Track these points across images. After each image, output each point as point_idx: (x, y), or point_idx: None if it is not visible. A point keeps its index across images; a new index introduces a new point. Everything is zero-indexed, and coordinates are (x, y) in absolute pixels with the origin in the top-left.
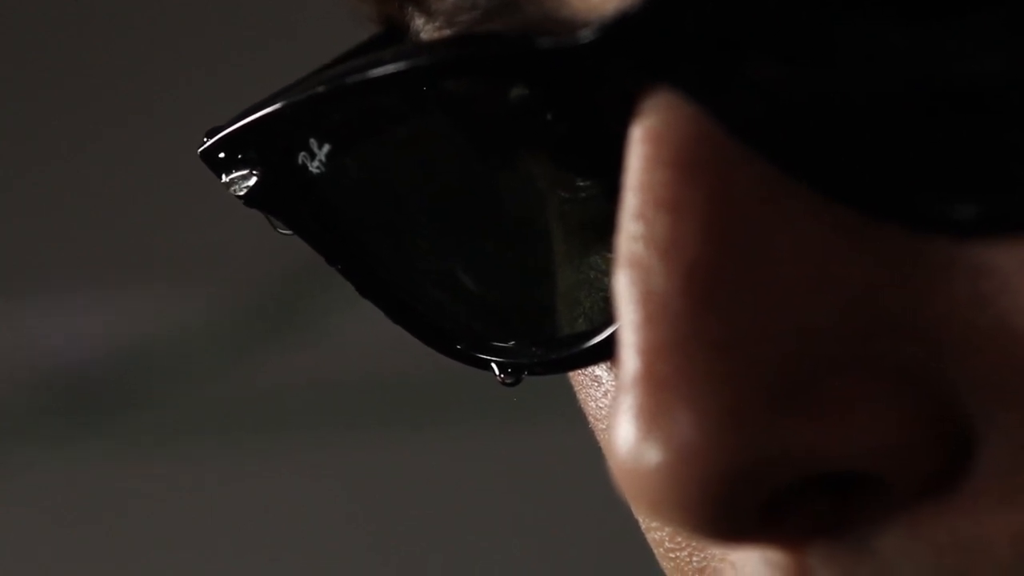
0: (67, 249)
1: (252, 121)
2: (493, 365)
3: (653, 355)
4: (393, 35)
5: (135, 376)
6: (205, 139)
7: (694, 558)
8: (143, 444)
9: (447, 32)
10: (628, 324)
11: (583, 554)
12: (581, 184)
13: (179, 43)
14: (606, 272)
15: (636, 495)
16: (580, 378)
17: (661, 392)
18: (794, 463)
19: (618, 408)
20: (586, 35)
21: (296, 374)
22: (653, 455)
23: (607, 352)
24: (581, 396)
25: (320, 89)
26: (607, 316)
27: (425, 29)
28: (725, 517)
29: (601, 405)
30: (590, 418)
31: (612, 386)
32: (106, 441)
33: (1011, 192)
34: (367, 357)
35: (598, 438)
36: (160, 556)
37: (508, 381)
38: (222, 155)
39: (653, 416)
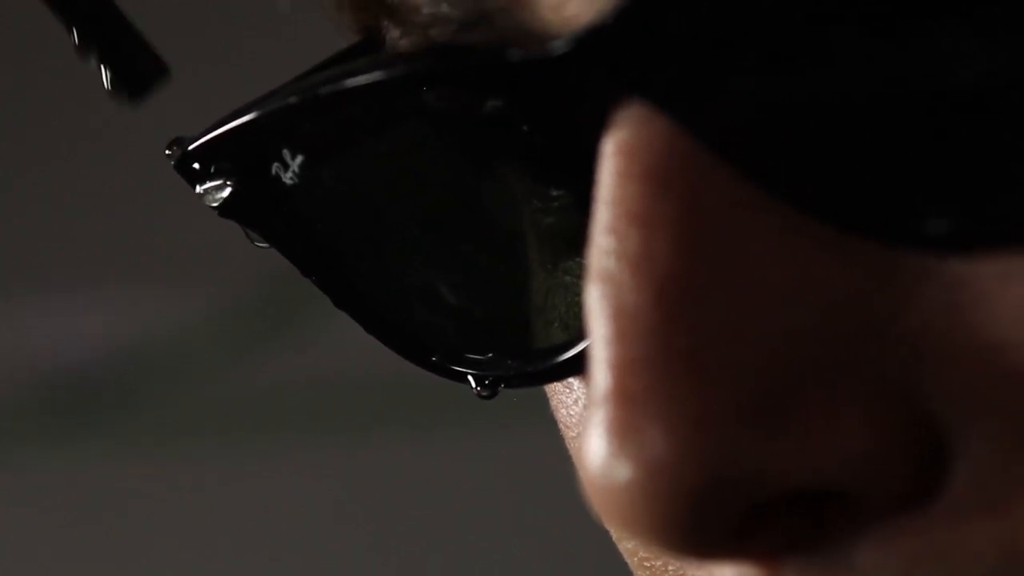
0: (66, 249)
1: (225, 132)
2: (469, 378)
3: (623, 370)
4: (372, 45)
5: (134, 376)
6: (176, 148)
7: (670, 567)
8: (142, 444)
9: (418, 42)
10: (599, 339)
11: (582, 555)
12: (555, 196)
13: (175, 44)
14: (580, 285)
15: (607, 511)
16: (553, 385)
17: (631, 408)
18: (765, 479)
19: (588, 424)
20: (558, 47)
21: (296, 374)
22: (623, 472)
23: (582, 365)
24: (553, 403)
25: (293, 100)
26: (582, 329)
27: (401, 41)
28: (697, 533)
29: (572, 413)
30: (561, 425)
31: (583, 394)
32: (105, 441)
33: (985, 206)
34: (366, 357)
35: (568, 446)
36: (160, 556)
37: (484, 394)
38: (196, 165)
39: (623, 432)
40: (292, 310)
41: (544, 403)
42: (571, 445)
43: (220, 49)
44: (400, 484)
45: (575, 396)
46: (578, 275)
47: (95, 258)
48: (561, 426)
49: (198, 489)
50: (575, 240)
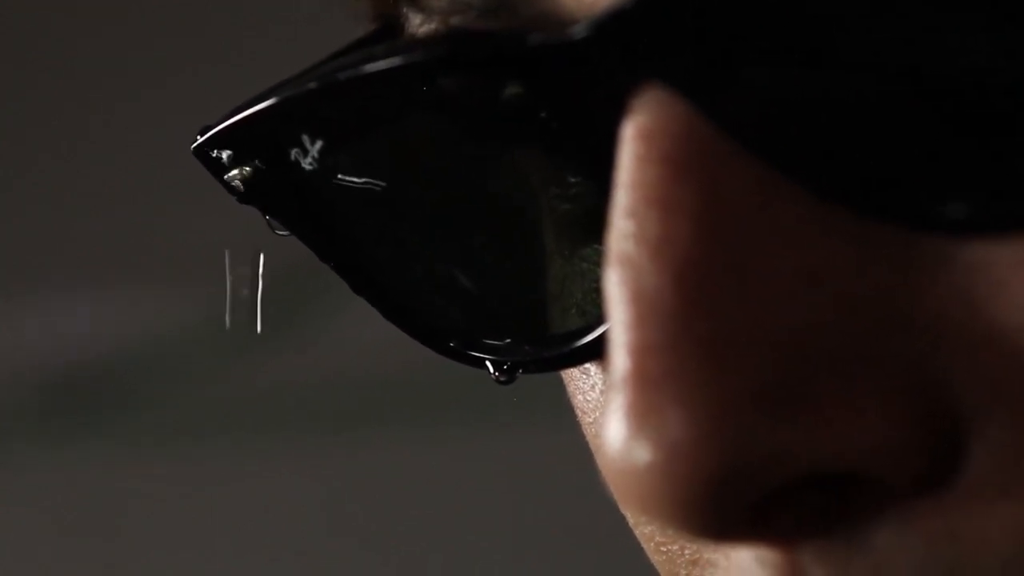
0: (66, 249)
1: (244, 118)
2: (487, 363)
3: (643, 354)
4: (388, 33)
5: (134, 376)
6: (198, 136)
7: (686, 551)
8: (142, 444)
9: (441, 31)
10: (618, 323)
11: (582, 554)
12: (573, 182)
13: (176, 41)
14: (599, 270)
15: (626, 494)
16: (570, 371)
17: (651, 391)
18: (784, 463)
19: (608, 407)
20: (578, 32)
21: (295, 374)
22: (643, 454)
23: (600, 350)
24: (570, 389)
25: (312, 85)
26: (600, 314)
27: (420, 28)
28: (715, 516)
29: (589, 399)
30: (578, 411)
31: (600, 380)
32: (104, 441)
33: (1006, 190)
34: (367, 357)
35: (585, 432)
36: (160, 556)
37: (502, 379)
38: (215, 152)
39: (643, 415)
40: (292, 310)
41: (546, 404)
42: (588, 431)
43: (222, 49)
44: (400, 484)
45: (592, 382)
46: (595, 262)
47: (94, 258)
48: (578, 412)
49: (198, 489)
50: (592, 227)
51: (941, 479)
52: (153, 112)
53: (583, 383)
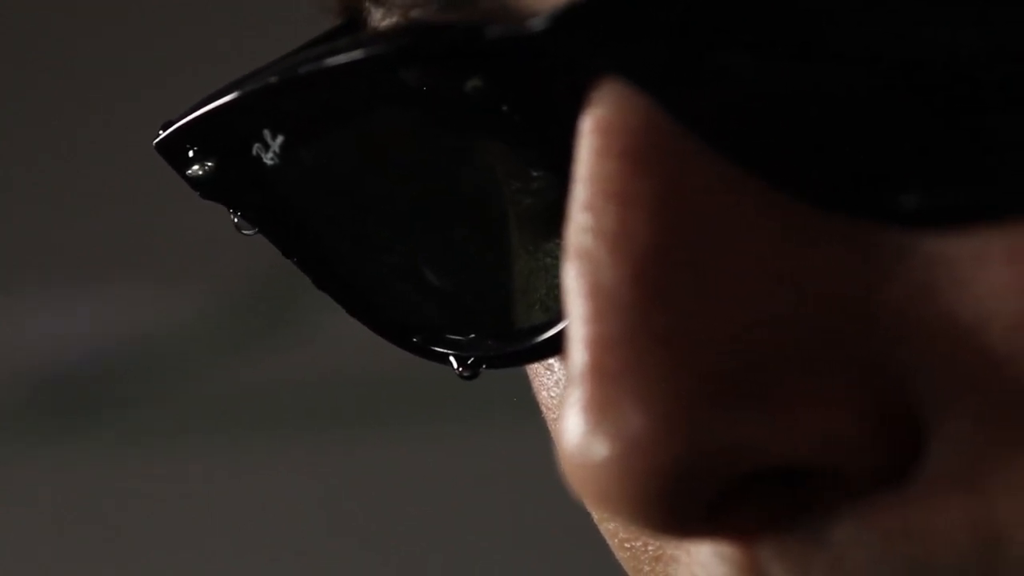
0: (61, 246)
1: (204, 113)
2: (451, 358)
3: (600, 348)
4: (352, 27)
5: (131, 373)
6: (160, 131)
7: (649, 547)
8: (137, 442)
9: (402, 24)
10: (577, 317)
11: (580, 552)
12: (535, 176)
13: (170, 38)
14: (559, 268)
15: (584, 488)
16: (534, 367)
17: (609, 385)
18: (741, 457)
19: (566, 401)
20: (536, 24)
21: (291, 371)
22: (600, 448)
23: (562, 345)
24: (535, 385)
25: (273, 79)
26: (561, 310)
27: (382, 22)
28: (672, 511)
29: (553, 395)
30: (542, 407)
31: (564, 375)
32: (100, 439)
33: (959, 183)
34: (363, 354)
35: (550, 428)
36: (155, 553)
37: (466, 374)
38: (177, 147)
39: (601, 409)
40: (287, 307)
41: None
42: (552, 428)
43: (222, 49)
44: (397, 480)
45: (556, 378)
46: (558, 257)
47: (91, 257)
48: (543, 408)
49: (194, 486)
50: (555, 221)
51: (901, 474)
52: (147, 108)
53: (547, 379)
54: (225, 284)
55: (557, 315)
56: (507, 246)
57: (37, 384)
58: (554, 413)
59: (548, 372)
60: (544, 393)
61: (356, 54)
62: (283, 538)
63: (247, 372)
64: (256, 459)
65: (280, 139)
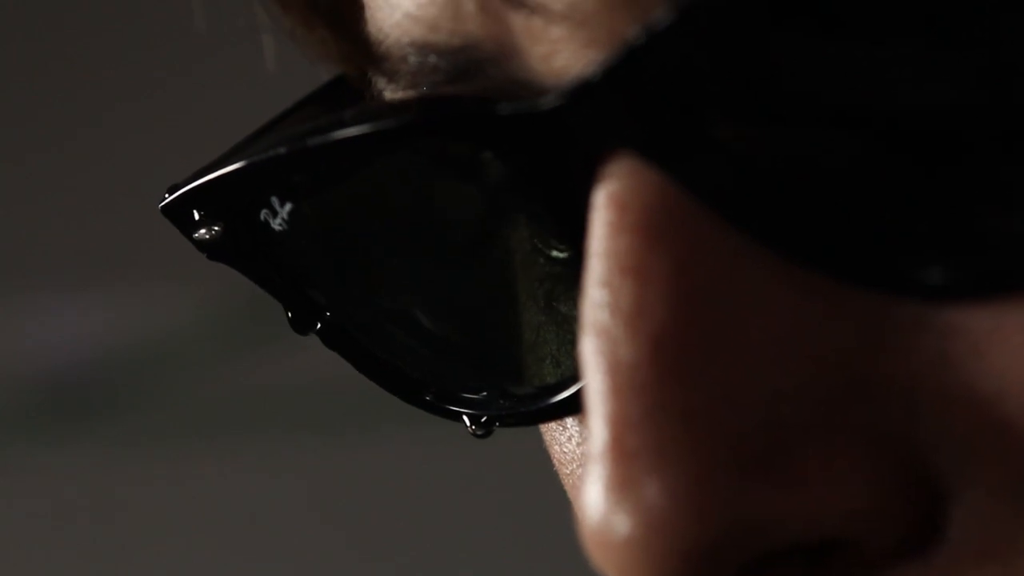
0: (57, 248)
1: (211, 180)
2: (464, 417)
3: (621, 426)
4: (350, 84)
5: (125, 376)
6: (166, 195)
7: None
8: (134, 444)
9: (410, 93)
10: (596, 392)
11: (570, 553)
12: (546, 237)
13: (170, 40)
14: (571, 325)
15: (606, 565)
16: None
17: (630, 463)
18: (763, 533)
19: (587, 477)
20: (548, 102)
21: (291, 374)
22: (623, 527)
23: (575, 407)
24: (547, 439)
25: (281, 151)
26: (574, 371)
27: (387, 90)
28: None
29: (566, 450)
30: (555, 461)
31: (577, 432)
32: (97, 441)
33: (979, 256)
34: None
35: (563, 482)
36: (149, 555)
37: (479, 433)
38: (183, 211)
39: (622, 487)
40: (283, 310)
41: None
42: (566, 481)
43: (221, 50)
44: (395, 482)
45: (568, 433)
46: (568, 315)
47: (87, 259)
48: (555, 462)
49: (192, 488)
50: (565, 282)
51: (923, 543)
52: (145, 110)
53: (559, 434)
54: (224, 287)
55: (570, 376)
56: (517, 306)
57: (33, 387)
58: (568, 468)
59: (560, 428)
60: (557, 448)
61: (364, 128)
62: (282, 540)
63: (246, 375)
64: (255, 462)
65: (288, 206)
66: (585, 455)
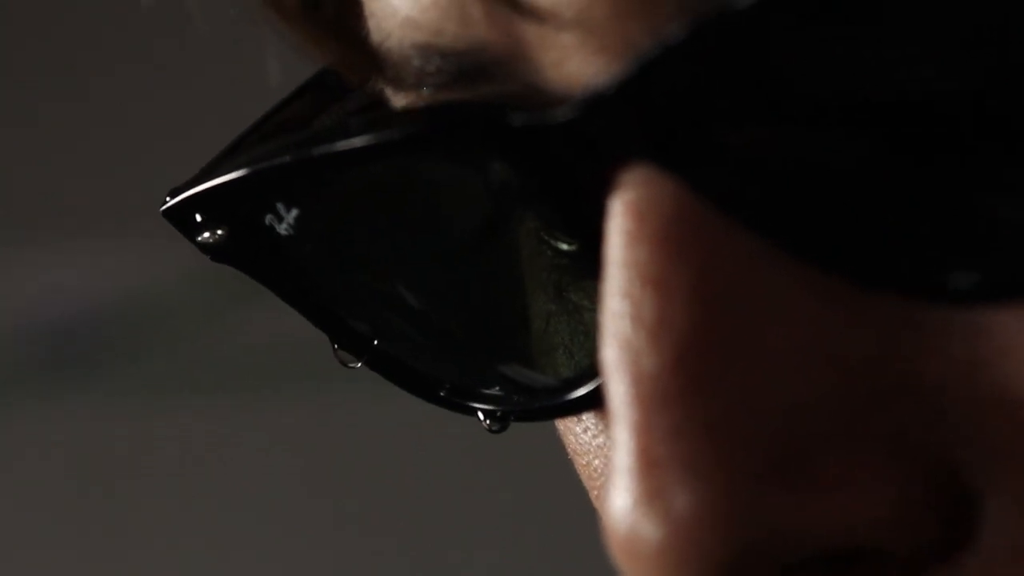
0: (54, 202)
1: (215, 186)
2: (479, 412)
3: (647, 437)
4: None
5: (120, 330)
6: (168, 199)
7: None
8: (129, 399)
9: (413, 97)
10: (620, 402)
11: (536, 514)
12: (555, 236)
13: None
14: (583, 315)
15: (636, 573)
16: None
17: (658, 474)
18: (790, 542)
19: (615, 486)
20: (562, 114)
21: (283, 329)
22: (651, 536)
23: (592, 403)
24: (560, 428)
25: (286, 159)
26: (590, 369)
27: (393, 96)
28: None
29: (582, 441)
30: (570, 451)
31: (593, 424)
32: (90, 396)
33: (1007, 257)
34: None
35: (579, 471)
36: (142, 510)
37: (495, 428)
38: (185, 215)
39: (651, 497)
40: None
41: None
42: (582, 472)
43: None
44: (389, 437)
45: (584, 425)
46: (579, 300)
47: (78, 212)
48: (570, 452)
49: (183, 443)
50: (579, 277)
51: (951, 549)
52: (139, 65)
53: (575, 425)
54: None
55: (586, 371)
56: (527, 299)
57: (23, 342)
58: (583, 459)
59: (576, 419)
60: (572, 439)
61: (372, 138)
62: (276, 492)
63: (239, 330)
64: (247, 417)
65: (295, 212)
66: (610, 462)
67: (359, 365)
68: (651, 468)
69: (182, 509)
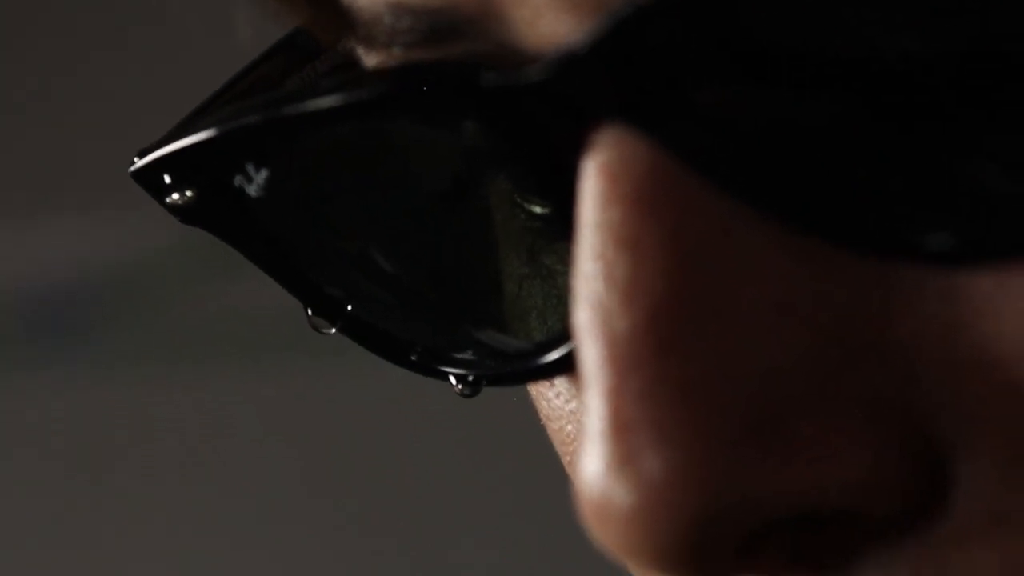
0: (41, 173)
1: (183, 147)
2: (451, 377)
3: (618, 398)
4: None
5: (105, 300)
6: (136, 159)
7: None
8: (114, 368)
9: (384, 56)
10: (592, 364)
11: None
12: (528, 199)
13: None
14: (556, 279)
15: (607, 538)
16: None
17: (630, 436)
18: (763, 504)
19: (586, 449)
20: (533, 73)
21: (273, 298)
22: (624, 499)
23: (565, 367)
24: (533, 394)
25: (255, 119)
26: (562, 332)
27: (365, 55)
28: (697, 559)
29: (554, 406)
30: (542, 416)
31: (566, 388)
32: (76, 366)
33: (982, 219)
34: None
35: (551, 437)
36: (133, 481)
37: (466, 392)
38: (153, 176)
39: (623, 460)
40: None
41: None
42: (555, 437)
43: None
44: (381, 404)
45: (557, 390)
46: (552, 264)
47: (70, 182)
48: (543, 416)
49: (172, 412)
50: (550, 239)
51: (928, 511)
52: (129, 37)
53: (547, 390)
54: None
55: (558, 335)
56: (500, 261)
57: (6, 310)
58: (556, 424)
59: (548, 384)
60: (544, 404)
61: (342, 98)
62: (262, 461)
63: (227, 299)
64: (236, 384)
65: (264, 173)
66: (582, 426)
67: (333, 331)
68: (623, 431)
69: (169, 477)
